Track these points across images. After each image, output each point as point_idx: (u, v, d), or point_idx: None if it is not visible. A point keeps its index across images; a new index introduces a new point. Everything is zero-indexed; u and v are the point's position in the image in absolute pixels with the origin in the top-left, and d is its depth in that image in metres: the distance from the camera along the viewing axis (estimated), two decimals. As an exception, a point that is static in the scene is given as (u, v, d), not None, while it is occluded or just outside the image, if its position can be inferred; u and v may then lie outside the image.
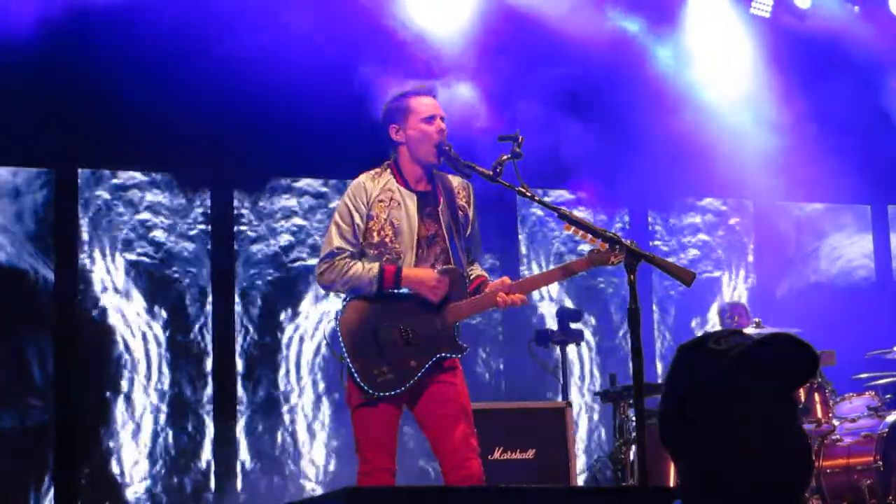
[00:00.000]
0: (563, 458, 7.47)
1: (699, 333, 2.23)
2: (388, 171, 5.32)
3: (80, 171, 8.76)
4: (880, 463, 7.15)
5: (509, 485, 6.00)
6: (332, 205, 9.02)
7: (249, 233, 9.15)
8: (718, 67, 9.98)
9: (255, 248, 9.15)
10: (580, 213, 8.45)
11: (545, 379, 9.03)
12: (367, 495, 3.87)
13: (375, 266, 5.15)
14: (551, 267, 5.49)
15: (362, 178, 5.31)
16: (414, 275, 5.14)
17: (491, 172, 5.09)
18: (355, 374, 5.11)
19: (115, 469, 8.59)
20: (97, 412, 8.60)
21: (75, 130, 8.58)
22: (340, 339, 5.18)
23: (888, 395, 7.74)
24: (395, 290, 5.15)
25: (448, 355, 5.18)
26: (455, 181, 5.41)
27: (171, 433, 8.75)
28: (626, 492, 6.42)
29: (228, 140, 8.94)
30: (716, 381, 2.12)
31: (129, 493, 8.60)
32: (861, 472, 7.21)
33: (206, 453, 8.83)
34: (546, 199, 5.22)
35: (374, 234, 5.21)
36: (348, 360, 5.14)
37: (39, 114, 8.40)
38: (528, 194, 5.09)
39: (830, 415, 7.46)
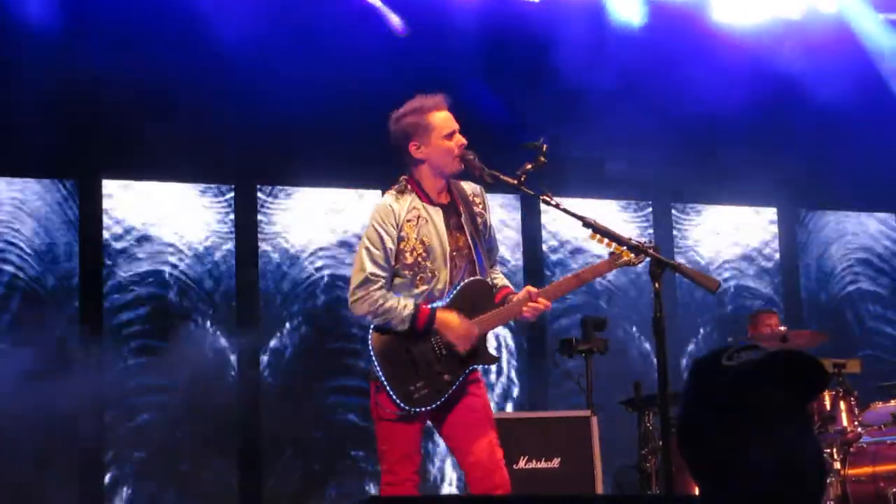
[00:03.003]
0: (588, 466, 7.46)
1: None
2: (409, 187, 5.27)
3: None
4: (907, 471, 7.13)
5: (534, 494, 5.99)
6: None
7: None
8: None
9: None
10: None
11: (569, 388, 9.01)
12: (389, 504, 3.85)
13: (411, 304, 5.10)
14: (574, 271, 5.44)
15: (387, 199, 5.25)
16: (447, 319, 5.11)
17: (515, 181, 5.11)
18: (391, 393, 5.10)
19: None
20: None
21: (99, 141, 8.64)
22: (374, 358, 5.16)
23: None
24: (423, 332, 5.12)
25: (482, 366, 5.18)
26: (468, 188, 5.38)
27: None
28: (650, 501, 6.40)
29: (253, 147, 8.99)
30: (722, 397, 2.14)
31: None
32: (887, 479, 7.18)
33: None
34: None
35: (407, 255, 5.16)
36: (383, 378, 5.12)
37: (61, 124, 8.45)
38: (553, 202, 5.09)
39: (856, 422, 7.43)
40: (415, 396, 5.11)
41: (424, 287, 5.17)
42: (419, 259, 5.17)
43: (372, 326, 5.20)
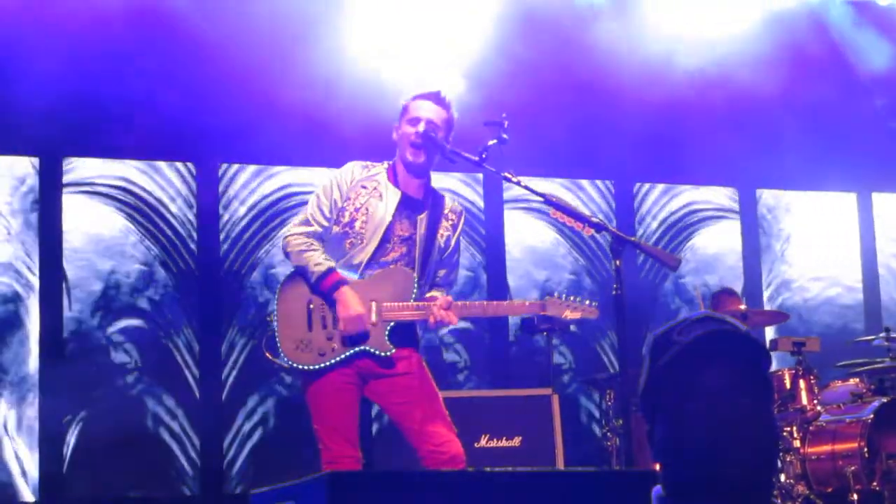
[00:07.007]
0: (549, 445, 7.49)
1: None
2: (383, 165, 5.34)
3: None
4: (865, 449, 7.19)
5: (492, 469, 6.00)
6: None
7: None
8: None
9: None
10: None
11: (531, 367, 9.03)
12: (347, 480, 3.83)
13: (325, 266, 5.15)
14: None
15: (353, 163, 5.35)
16: (346, 298, 5.12)
17: (477, 158, 5.10)
18: (277, 336, 5.16)
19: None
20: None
21: (71, 119, 8.59)
22: (277, 297, 5.23)
23: (873, 384, 7.76)
24: (324, 294, 5.14)
25: (372, 350, 5.16)
26: (450, 204, 5.41)
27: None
28: (611, 475, 6.43)
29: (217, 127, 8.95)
30: (669, 373, 2.16)
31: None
32: (846, 458, 7.25)
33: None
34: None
35: (347, 213, 5.23)
36: (276, 320, 5.18)
37: (29, 101, 8.40)
38: (514, 180, 5.09)
39: (816, 401, 7.49)
40: (295, 350, 5.14)
41: (351, 251, 5.21)
42: (354, 222, 5.21)
43: (288, 272, 5.29)
